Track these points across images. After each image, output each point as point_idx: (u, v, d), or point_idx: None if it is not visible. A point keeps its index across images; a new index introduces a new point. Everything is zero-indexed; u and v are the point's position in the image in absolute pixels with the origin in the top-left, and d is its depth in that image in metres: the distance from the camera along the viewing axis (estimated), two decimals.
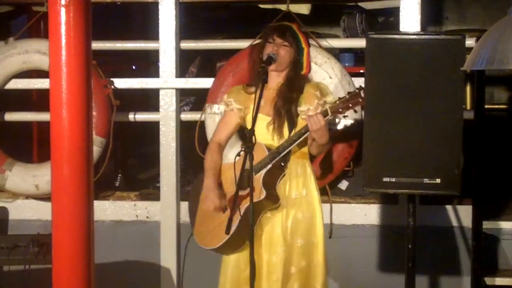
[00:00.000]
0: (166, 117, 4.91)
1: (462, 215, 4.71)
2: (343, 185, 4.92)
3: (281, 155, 3.68)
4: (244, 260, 3.70)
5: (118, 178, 5.49)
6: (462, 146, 3.62)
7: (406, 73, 3.61)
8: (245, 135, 3.54)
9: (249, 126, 3.60)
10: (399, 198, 4.65)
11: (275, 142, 3.74)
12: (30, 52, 4.88)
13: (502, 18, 2.98)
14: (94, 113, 4.60)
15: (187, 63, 5.56)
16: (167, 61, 4.93)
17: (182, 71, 5.13)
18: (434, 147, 3.61)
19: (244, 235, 3.53)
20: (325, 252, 3.76)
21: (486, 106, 4.55)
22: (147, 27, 5.52)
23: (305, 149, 3.80)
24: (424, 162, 3.61)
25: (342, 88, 4.49)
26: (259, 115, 3.59)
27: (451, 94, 3.59)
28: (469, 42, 4.12)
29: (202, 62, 5.77)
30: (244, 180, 3.48)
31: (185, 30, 5.08)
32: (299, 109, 3.74)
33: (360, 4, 5.17)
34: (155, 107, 5.07)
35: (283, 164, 3.73)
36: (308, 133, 3.62)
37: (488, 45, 2.87)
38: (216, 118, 4.52)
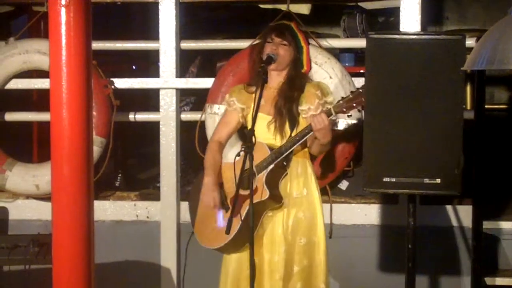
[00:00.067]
0: (166, 117, 4.91)
1: (462, 215, 4.71)
2: (343, 185, 4.92)
3: (284, 155, 3.68)
4: (245, 260, 3.70)
5: (118, 178, 5.49)
6: (462, 146, 3.62)
7: (406, 73, 3.61)
8: (245, 135, 3.54)
9: (250, 126, 3.61)
10: (399, 198, 4.64)
11: (276, 141, 3.75)
12: (30, 52, 4.88)
13: (502, 18, 2.98)
14: (94, 113, 4.60)
15: (187, 63, 5.56)
16: (167, 61, 4.93)
17: (182, 71, 5.13)
18: (434, 147, 3.60)
19: (246, 236, 3.53)
20: (327, 251, 3.76)
21: (486, 106, 4.55)
22: (147, 27, 5.52)
23: (306, 149, 3.80)
24: (424, 162, 3.61)
25: (342, 88, 4.49)
26: (260, 114, 3.59)
27: (451, 94, 3.58)
28: (470, 42, 4.12)
29: (202, 62, 5.77)
30: (245, 180, 3.49)
31: (185, 30, 5.08)
32: (300, 108, 3.75)
33: (360, 4, 5.16)
34: (155, 107, 5.07)
35: (285, 164, 3.73)
36: (311, 133, 3.62)
37: (489, 45, 2.87)
38: (216, 118, 4.52)
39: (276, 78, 3.81)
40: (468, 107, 5.33)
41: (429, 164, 3.61)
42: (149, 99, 5.65)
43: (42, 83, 4.98)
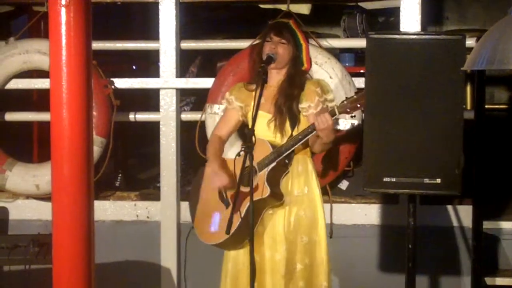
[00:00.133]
0: (167, 117, 4.92)
1: (463, 215, 4.70)
2: (344, 185, 4.92)
3: (286, 153, 3.68)
4: (244, 257, 3.70)
5: (119, 178, 5.49)
6: (462, 146, 3.62)
7: (406, 73, 3.61)
8: (245, 134, 3.55)
9: (250, 125, 3.61)
10: (400, 198, 4.64)
11: (277, 140, 3.75)
12: (30, 52, 4.88)
13: (502, 18, 2.98)
14: (94, 113, 4.60)
15: (188, 63, 5.56)
16: (168, 61, 4.93)
17: (183, 71, 5.13)
18: (434, 147, 3.60)
19: (245, 233, 3.54)
20: (328, 250, 3.76)
21: (486, 106, 4.55)
22: (147, 27, 5.52)
23: (307, 147, 3.80)
24: (424, 162, 3.61)
25: (342, 88, 4.49)
26: (260, 113, 3.59)
27: (451, 94, 3.58)
28: (470, 42, 4.12)
29: (203, 62, 5.78)
30: (246, 176, 3.49)
31: (185, 30, 5.08)
32: (300, 106, 3.75)
33: (361, 4, 5.16)
34: (155, 107, 5.07)
35: (287, 162, 3.73)
36: (314, 132, 3.63)
37: (489, 45, 2.87)
38: (216, 118, 4.52)
39: (276, 76, 3.81)
40: (468, 107, 5.33)
41: (429, 164, 3.61)
42: (149, 99, 5.65)
43: (42, 83, 4.98)
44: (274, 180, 3.69)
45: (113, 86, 4.90)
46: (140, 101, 5.57)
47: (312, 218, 3.76)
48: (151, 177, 5.63)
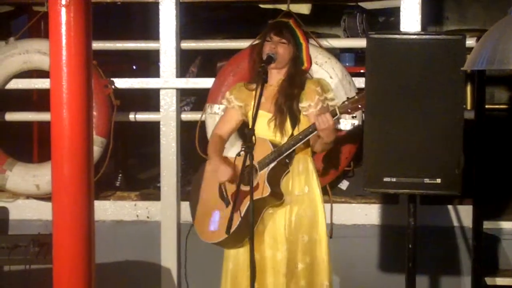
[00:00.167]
0: (167, 117, 4.92)
1: (463, 215, 4.71)
2: (344, 185, 4.92)
3: (287, 153, 3.68)
4: (244, 256, 3.70)
5: (119, 178, 5.49)
6: (462, 146, 3.62)
7: (406, 73, 3.61)
8: (245, 134, 3.55)
9: (250, 124, 3.61)
10: (400, 198, 4.65)
11: (277, 139, 3.75)
12: (30, 52, 4.88)
13: (502, 18, 2.98)
14: (94, 113, 4.59)
15: (188, 63, 5.56)
16: (168, 61, 4.93)
17: (183, 71, 5.13)
18: (434, 147, 3.60)
19: (245, 232, 3.53)
20: (328, 249, 3.77)
21: (486, 106, 4.55)
22: (148, 27, 5.52)
23: (308, 146, 3.80)
24: (424, 162, 3.61)
25: (342, 88, 4.49)
26: (260, 112, 3.59)
27: (451, 94, 3.58)
28: (470, 42, 4.12)
29: (203, 62, 5.78)
30: (247, 175, 3.49)
31: (185, 30, 5.08)
32: (300, 105, 3.75)
33: (361, 4, 5.17)
34: (155, 107, 5.07)
35: (287, 161, 3.73)
36: (315, 132, 3.62)
37: (489, 45, 2.87)
38: (216, 118, 4.52)
39: (276, 76, 3.81)
40: (469, 107, 5.33)
41: (429, 164, 3.61)
42: (150, 99, 5.65)
43: (42, 83, 4.99)
44: (274, 179, 3.69)
45: (113, 86, 4.90)
46: (140, 101, 5.57)
47: (312, 217, 3.75)
48: (151, 177, 5.63)
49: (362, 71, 4.69)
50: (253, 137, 3.38)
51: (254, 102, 3.53)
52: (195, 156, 4.77)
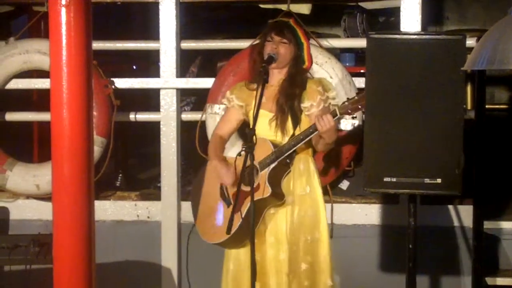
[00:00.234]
0: (167, 117, 4.92)
1: (463, 215, 4.70)
2: (344, 185, 4.92)
3: (287, 153, 3.68)
4: (245, 257, 3.70)
5: (119, 178, 5.49)
6: (462, 146, 3.62)
7: (406, 73, 3.61)
8: (246, 134, 3.55)
9: (251, 124, 3.60)
10: (400, 198, 4.64)
11: (278, 139, 3.75)
12: (30, 52, 4.88)
13: (502, 18, 2.98)
14: (94, 113, 4.59)
15: (188, 63, 5.56)
16: (168, 61, 4.93)
17: (183, 71, 5.13)
18: (434, 147, 3.60)
19: (247, 233, 3.53)
20: (330, 248, 3.77)
21: (486, 106, 4.56)
22: (148, 27, 5.52)
23: (309, 146, 3.80)
24: (424, 162, 3.61)
25: (342, 88, 4.49)
26: (262, 112, 3.60)
27: (451, 94, 3.58)
28: (470, 42, 4.11)
29: (203, 62, 5.78)
30: (247, 176, 3.49)
31: (185, 30, 5.08)
32: (302, 105, 3.75)
33: (361, 4, 5.17)
34: (155, 107, 5.07)
35: (288, 161, 3.73)
36: (316, 132, 3.62)
37: (489, 45, 2.87)
38: (216, 118, 4.52)
39: (277, 76, 3.81)
40: (469, 107, 5.32)
41: (429, 164, 3.61)
42: (150, 99, 5.65)
43: (42, 83, 4.98)
44: (275, 179, 3.69)
45: (113, 86, 4.90)
46: (140, 101, 5.57)
47: (314, 217, 3.76)
48: (151, 177, 5.63)
49: (362, 71, 4.69)
50: (254, 137, 3.38)
51: (255, 102, 3.53)
52: (195, 156, 4.77)
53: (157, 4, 4.93)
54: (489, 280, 4.48)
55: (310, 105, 3.73)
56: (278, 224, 3.75)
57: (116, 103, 4.84)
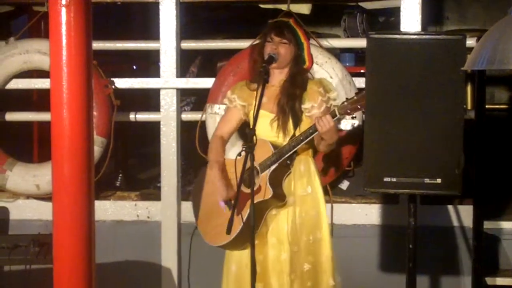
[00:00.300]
0: (167, 117, 4.92)
1: (463, 215, 4.70)
2: (344, 185, 4.92)
3: (288, 154, 3.68)
4: (248, 258, 3.69)
5: (119, 178, 5.49)
6: (462, 146, 3.62)
7: (406, 73, 3.61)
8: (246, 134, 3.54)
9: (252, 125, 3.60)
10: (400, 198, 4.64)
11: (279, 139, 3.74)
12: (30, 52, 4.88)
13: (502, 18, 2.98)
14: (94, 113, 4.59)
15: (188, 63, 5.56)
16: (168, 61, 4.93)
17: (183, 71, 5.13)
18: (434, 147, 3.60)
19: (247, 236, 3.52)
20: (332, 247, 3.77)
21: (486, 106, 4.55)
22: (148, 27, 5.52)
23: (309, 147, 3.80)
24: (424, 162, 3.61)
25: (343, 88, 4.49)
26: (262, 112, 3.60)
27: (451, 94, 3.58)
28: (470, 42, 4.11)
29: (203, 62, 5.78)
30: (248, 178, 3.49)
31: (185, 30, 5.08)
32: (303, 106, 3.75)
33: (361, 4, 5.17)
34: (155, 107, 5.07)
35: (289, 162, 3.73)
36: (316, 133, 3.62)
37: (489, 45, 2.87)
38: (216, 118, 4.52)
39: (278, 76, 3.81)
40: (469, 107, 5.32)
41: (429, 164, 3.61)
42: (150, 99, 5.65)
43: (42, 83, 4.99)
44: (276, 181, 3.68)
45: (113, 86, 4.90)
46: (140, 101, 5.57)
47: (316, 217, 3.76)
48: (151, 177, 5.63)
49: (362, 71, 4.69)
50: (254, 137, 3.37)
51: (256, 102, 3.53)
52: (195, 156, 4.77)
53: (157, 4, 4.93)
54: (489, 280, 4.48)
55: (311, 106, 3.73)
56: (279, 225, 3.75)
57: (116, 103, 4.84)
